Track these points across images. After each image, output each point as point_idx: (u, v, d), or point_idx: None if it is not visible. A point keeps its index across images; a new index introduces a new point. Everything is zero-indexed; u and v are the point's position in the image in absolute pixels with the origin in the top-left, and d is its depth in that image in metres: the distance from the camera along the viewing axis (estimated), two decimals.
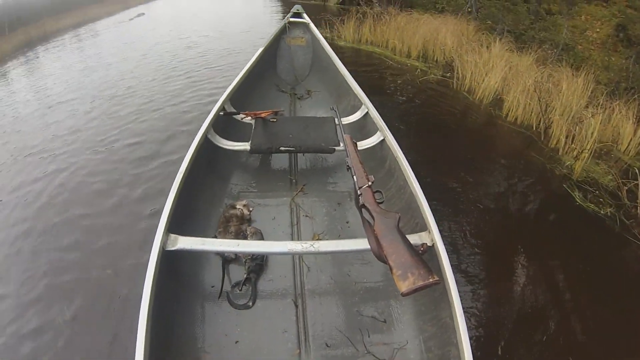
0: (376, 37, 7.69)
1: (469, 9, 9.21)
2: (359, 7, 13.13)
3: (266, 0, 27.36)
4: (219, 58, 7.17)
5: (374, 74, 6.15)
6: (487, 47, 6.17)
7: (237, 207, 2.26)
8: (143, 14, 23.48)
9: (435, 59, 6.66)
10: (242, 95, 3.26)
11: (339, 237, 2.21)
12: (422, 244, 1.53)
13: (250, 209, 2.32)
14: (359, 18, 8.03)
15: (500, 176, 3.86)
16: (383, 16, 8.12)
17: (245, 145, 2.55)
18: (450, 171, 3.72)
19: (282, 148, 2.53)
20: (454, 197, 3.41)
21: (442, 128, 4.61)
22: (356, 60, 6.85)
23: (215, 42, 8.56)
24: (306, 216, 2.43)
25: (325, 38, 7.46)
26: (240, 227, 2.17)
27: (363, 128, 2.97)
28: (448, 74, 5.96)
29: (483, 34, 7.33)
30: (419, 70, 6.26)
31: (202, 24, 12.67)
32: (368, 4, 13.13)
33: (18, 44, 18.85)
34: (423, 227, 1.83)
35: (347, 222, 2.40)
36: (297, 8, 4.86)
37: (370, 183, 1.46)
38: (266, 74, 4.12)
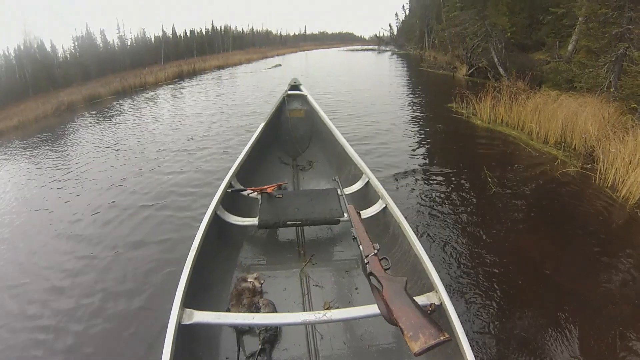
0: (512, 117, 7.41)
1: (609, 87, 8.35)
2: (488, 81, 13.49)
3: (392, 61, 29.15)
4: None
5: (507, 161, 5.85)
6: (633, 133, 5.36)
7: (249, 280, 2.26)
8: (280, 65, 26.63)
9: (574, 146, 6.06)
10: (248, 171, 3.34)
11: (349, 304, 2.20)
12: (430, 304, 1.52)
13: (262, 281, 2.32)
14: (495, 96, 7.88)
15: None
16: (519, 95, 7.75)
17: (253, 221, 2.61)
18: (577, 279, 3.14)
19: (289, 222, 2.59)
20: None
21: (575, 231, 3.96)
22: (490, 143, 6.73)
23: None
24: (316, 286, 2.45)
25: (461, 114, 7.87)
26: (253, 300, 2.18)
27: (365, 196, 3.03)
28: (589, 166, 5.36)
29: (627, 117, 6.42)
30: (558, 161, 5.63)
31: (335, 82, 15.20)
32: (496, 77, 13.24)
33: (171, 74, 23.05)
34: (430, 287, 1.88)
35: (357, 289, 2.42)
36: (294, 80, 4.96)
37: (375, 251, 1.50)
38: (269, 147, 4.19)
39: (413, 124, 8.27)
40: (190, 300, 1.82)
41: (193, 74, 25.32)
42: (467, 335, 1.57)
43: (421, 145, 6.79)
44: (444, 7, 26.74)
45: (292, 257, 2.73)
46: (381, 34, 71.12)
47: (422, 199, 4.55)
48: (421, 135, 7.46)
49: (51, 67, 28.87)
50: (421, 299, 1.79)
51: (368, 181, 3.05)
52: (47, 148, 8.58)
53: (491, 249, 3.45)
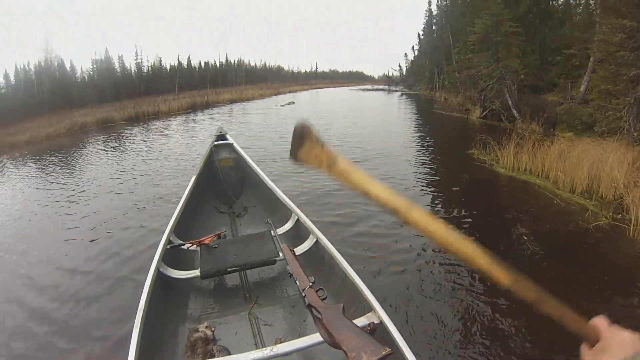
0: (535, 164, 7.07)
1: (628, 130, 8.29)
2: (502, 123, 13.39)
3: (403, 102, 29.36)
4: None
5: (536, 214, 5.49)
6: None
7: (200, 330, 2.30)
8: (293, 102, 26.80)
9: (601, 194, 5.80)
10: (185, 224, 3.42)
11: (299, 336, 2.16)
12: (369, 324, 1.64)
13: (213, 329, 2.34)
14: (519, 142, 7.56)
15: None
16: (542, 141, 7.54)
17: (195, 272, 2.67)
18: None
19: (229, 269, 2.68)
20: None
21: (614, 290, 3.72)
22: (516, 194, 6.43)
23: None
24: (266, 324, 2.54)
25: (483, 161, 7.70)
26: (207, 348, 2.22)
27: (297, 234, 3.18)
28: (619, 216, 5.11)
29: None
30: (589, 212, 5.31)
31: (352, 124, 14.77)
32: (510, 119, 13.15)
33: (185, 105, 23.20)
34: (369, 308, 2.05)
35: (304, 321, 2.54)
36: (220, 130, 5.10)
37: (311, 284, 1.56)
38: (204, 198, 4.28)
39: (435, 172, 7.88)
40: None
41: (206, 106, 25.64)
42: (409, 347, 1.70)
43: (445, 195, 6.47)
44: (454, 48, 27.31)
45: (239, 301, 2.81)
46: (391, 74, 72.68)
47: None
48: (445, 185, 7.09)
49: (69, 87, 29.80)
50: (362, 320, 1.94)
51: (298, 219, 3.25)
52: (45, 167, 8.87)
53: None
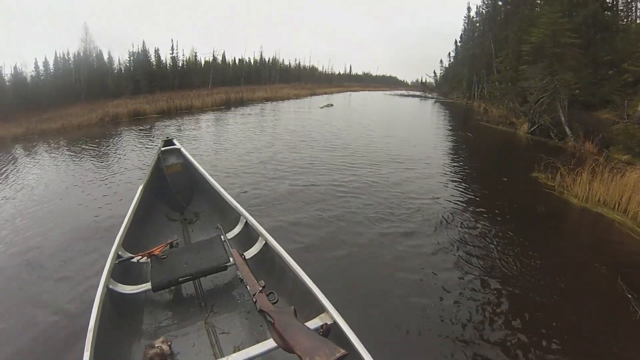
0: (610, 195, 6.09)
1: None
2: (551, 140, 12.45)
3: (442, 110, 28.33)
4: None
5: (628, 259, 4.57)
6: None
7: (156, 345, 2.25)
8: (332, 105, 26.10)
9: None
10: (136, 236, 3.30)
11: (257, 342, 2.11)
12: (322, 325, 1.56)
13: (169, 343, 2.30)
14: (592, 169, 6.51)
15: None
16: (613, 167, 6.51)
17: (147, 286, 2.58)
18: None
19: (180, 279, 2.61)
20: None
21: None
22: (594, 233, 5.49)
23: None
24: (223, 333, 2.51)
25: (551, 187, 7.03)
26: None
27: (247, 237, 3.18)
28: None
29: None
30: None
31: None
32: (560, 137, 12.22)
33: (219, 101, 22.86)
34: (321, 309, 2.04)
35: (262, 326, 2.49)
36: (167, 136, 4.96)
37: (261, 288, 1.55)
38: (154, 207, 4.17)
39: (504, 199, 6.61)
40: None
41: (240, 103, 25.24)
42: (365, 347, 1.69)
43: (519, 228, 5.30)
44: (497, 57, 26.18)
45: (195, 311, 2.76)
46: (425, 80, 71.50)
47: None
48: (517, 215, 5.87)
49: (105, 77, 30.51)
50: (315, 322, 1.95)
51: (246, 222, 3.23)
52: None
53: None
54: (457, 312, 3.39)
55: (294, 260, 2.47)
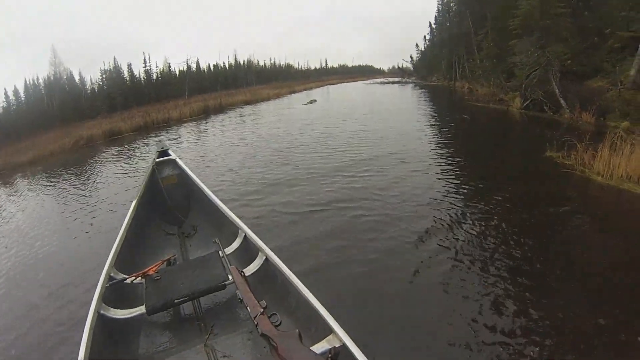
0: (633, 169, 5.63)
1: None
2: (545, 114, 12.05)
3: (427, 94, 27.80)
4: None
5: None
6: None
7: None
8: (315, 100, 25.40)
9: None
10: (130, 255, 3.15)
11: None
12: (330, 349, 1.41)
13: None
14: (612, 143, 6.04)
15: None
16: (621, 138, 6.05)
17: (141, 309, 2.42)
18: None
19: (176, 301, 2.44)
20: None
21: None
22: (630, 215, 4.86)
23: None
24: (224, 357, 2.35)
25: (570, 167, 6.51)
26: None
27: (246, 252, 3.01)
28: None
29: None
30: None
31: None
32: (554, 109, 11.86)
33: (197, 110, 22.03)
34: (328, 331, 1.87)
35: (265, 347, 2.13)
36: (161, 146, 4.76)
37: (262, 309, 1.47)
38: (150, 222, 3.98)
39: (524, 184, 6.11)
40: None
41: (220, 109, 24.29)
42: None
43: (539, 219, 4.79)
44: (477, 35, 25.77)
45: (193, 333, 2.60)
46: (402, 66, 71.34)
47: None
48: (535, 203, 5.28)
49: (79, 99, 29.59)
50: (322, 345, 1.83)
51: (245, 236, 3.06)
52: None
53: None
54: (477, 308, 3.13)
55: (297, 277, 2.29)
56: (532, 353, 2.62)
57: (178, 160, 4.58)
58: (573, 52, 13.09)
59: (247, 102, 28.30)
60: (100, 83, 32.48)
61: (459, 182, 6.36)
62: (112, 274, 2.74)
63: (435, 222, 4.80)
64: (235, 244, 3.15)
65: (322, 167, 7.57)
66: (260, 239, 2.85)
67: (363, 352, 1.68)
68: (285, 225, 5.02)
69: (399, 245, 4.26)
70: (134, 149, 12.56)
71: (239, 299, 1.69)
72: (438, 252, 4.05)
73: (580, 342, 2.72)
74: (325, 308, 1.97)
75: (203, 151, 10.83)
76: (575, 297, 3.24)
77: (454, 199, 5.58)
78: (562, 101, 12.15)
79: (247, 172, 7.82)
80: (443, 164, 7.50)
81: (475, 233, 4.47)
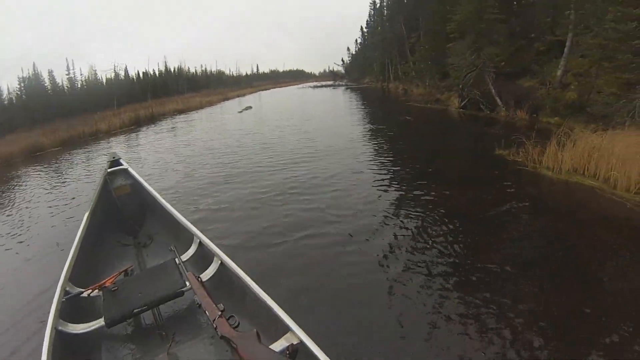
0: (578, 163, 6.12)
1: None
2: (481, 113, 12.61)
3: (364, 96, 28.19)
4: None
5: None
6: None
7: None
8: (250, 107, 24.78)
9: None
10: (85, 268, 3.08)
11: None
12: (289, 346, 1.55)
13: None
14: (559, 140, 6.42)
15: None
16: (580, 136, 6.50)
17: (100, 322, 2.40)
18: None
19: (135, 311, 2.42)
20: None
21: None
22: (583, 206, 5.17)
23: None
24: None
25: (522, 164, 6.77)
26: None
27: (203, 258, 3.01)
28: None
29: None
30: None
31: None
32: (490, 108, 12.47)
33: (128, 121, 20.52)
34: (286, 329, 1.93)
35: (227, 350, 2.01)
36: (112, 155, 4.68)
37: (220, 312, 1.48)
38: (103, 234, 3.91)
39: (481, 184, 6.15)
40: None
41: (151, 120, 22.78)
42: None
43: (500, 213, 4.97)
44: (411, 38, 26.70)
45: (155, 343, 2.54)
46: (334, 69, 72.54)
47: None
48: (495, 199, 5.42)
49: None
50: (280, 343, 1.87)
51: (200, 242, 3.06)
52: None
53: None
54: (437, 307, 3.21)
55: (253, 280, 2.33)
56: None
57: (130, 169, 4.46)
58: (505, 54, 13.84)
59: (180, 111, 26.81)
60: (19, 93, 29.32)
61: (414, 184, 6.36)
62: (67, 288, 2.68)
63: (392, 227, 4.74)
64: (191, 251, 3.14)
65: (268, 188, 6.53)
66: (215, 244, 2.86)
67: (321, 348, 1.72)
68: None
69: (363, 261, 4.06)
70: (61, 167, 11.14)
71: (197, 304, 1.67)
72: (398, 258, 4.01)
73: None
74: (282, 308, 2.02)
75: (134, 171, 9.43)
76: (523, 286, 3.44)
77: (410, 201, 5.58)
78: (497, 100, 12.85)
79: (185, 196, 6.56)
80: (393, 168, 7.43)
81: (433, 233, 4.51)
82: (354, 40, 62.22)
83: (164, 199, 3.82)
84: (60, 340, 2.23)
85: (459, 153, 8.79)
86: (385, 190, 6.07)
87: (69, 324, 2.39)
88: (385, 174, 7.02)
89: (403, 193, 5.96)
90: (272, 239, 4.61)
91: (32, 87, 29.65)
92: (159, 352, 2.41)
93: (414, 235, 4.49)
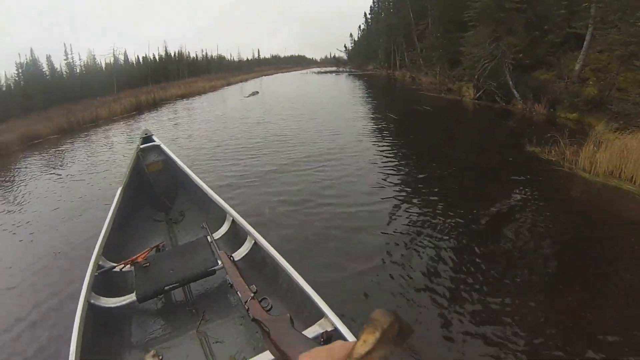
0: (615, 165, 5.62)
1: None
2: (497, 104, 12.14)
3: (371, 83, 27.58)
4: None
5: None
6: None
7: None
8: (257, 92, 24.12)
9: None
10: (118, 243, 3.13)
11: (254, 350, 2.15)
12: (322, 333, 1.38)
13: (160, 356, 2.04)
14: (595, 140, 5.98)
15: None
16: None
17: (131, 297, 2.40)
18: None
19: (166, 287, 2.41)
20: None
21: None
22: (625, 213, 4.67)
23: None
24: (217, 342, 2.33)
25: (557, 163, 6.32)
26: None
27: (235, 236, 3.00)
28: None
29: None
30: None
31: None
32: (506, 100, 12.01)
33: (129, 106, 19.90)
34: (320, 315, 1.87)
35: (257, 332, 2.10)
36: (145, 132, 4.67)
37: (253, 294, 1.37)
38: (136, 210, 3.96)
39: (515, 182, 5.74)
40: None
41: (153, 105, 22.03)
42: None
43: (540, 218, 4.59)
44: (420, 25, 25.99)
45: (185, 319, 2.55)
46: (337, 55, 71.66)
47: None
48: (532, 201, 5.05)
49: None
50: (314, 329, 1.83)
51: (233, 220, 3.04)
52: None
53: None
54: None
55: (287, 261, 2.28)
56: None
57: (162, 145, 4.47)
58: (523, 44, 13.30)
59: (183, 96, 26.07)
60: (17, 79, 28.52)
61: (453, 179, 6.07)
62: (100, 263, 2.72)
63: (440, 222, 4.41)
64: (224, 229, 3.11)
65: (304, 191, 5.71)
66: (248, 223, 2.81)
67: (355, 336, 1.42)
68: None
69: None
70: (61, 157, 10.59)
71: (229, 284, 1.61)
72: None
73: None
74: (316, 292, 1.96)
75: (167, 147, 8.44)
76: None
77: (450, 202, 5.18)
78: (515, 92, 12.33)
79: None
80: (429, 165, 6.98)
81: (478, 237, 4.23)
82: (357, 27, 61.07)
83: (197, 176, 3.82)
84: (92, 313, 2.24)
85: (492, 149, 8.26)
86: (427, 190, 5.69)
87: (101, 298, 2.41)
88: (422, 173, 6.59)
89: (444, 191, 5.64)
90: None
91: (30, 73, 28.90)
92: (188, 329, 2.45)
93: (457, 235, 4.25)
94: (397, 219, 4.69)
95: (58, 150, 11.60)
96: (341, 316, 1.80)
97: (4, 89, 27.71)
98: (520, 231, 4.28)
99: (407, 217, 4.70)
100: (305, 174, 6.52)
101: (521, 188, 5.52)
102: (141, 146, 4.42)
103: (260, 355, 1.78)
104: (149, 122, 15.85)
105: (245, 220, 2.86)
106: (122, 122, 16.59)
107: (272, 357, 1.41)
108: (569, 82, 11.70)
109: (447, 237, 4.17)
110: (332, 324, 1.77)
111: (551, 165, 6.31)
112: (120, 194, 3.63)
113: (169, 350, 2.32)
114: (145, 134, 4.61)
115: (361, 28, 58.10)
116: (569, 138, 6.38)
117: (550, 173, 6.04)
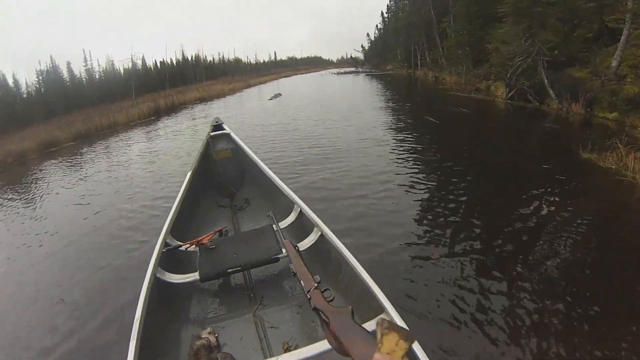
0: None
1: None
2: (530, 104, 11.43)
3: (393, 84, 26.81)
4: None
5: None
6: None
7: (203, 337, 2.14)
8: (280, 94, 23.39)
9: None
10: (184, 224, 3.22)
11: (308, 339, 2.17)
12: None
13: (216, 334, 2.21)
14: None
15: None
16: None
17: (194, 275, 2.49)
18: None
19: (229, 270, 2.50)
20: None
21: None
22: None
23: None
24: (272, 327, 2.38)
25: (619, 173, 5.60)
26: (210, 357, 2.08)
27: (301, 227, 3.01)
28: None
29: None
30: None
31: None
32: (539, 100, 11.31)
33: (147, 111, 19.44)
34: (379, 310, 1.86)
35: (312, 322, 2.37)
36: (216, 120, 4.82)
37: (316, 284, 1.38)
38: (203, 194, 4.10)
39: (572, 193, 5.15)
40: None
41: (172, 109, 21.54)
42: (428, 356, 1.51)
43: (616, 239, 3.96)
44: (442, 23, 25.20)
45: (243, 303, 2.64)
46: (354, 56, 71.03)
47: None
48: (606, 221, 4.42)
49: (13, 105, 26.29)
50: (372, 324, 1.72)
51: (300, 211, 3.05)
52: None
53: None
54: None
55: (352, 254, 2.21)
56: None
57: (232, 134, 4.59)
58: (558, 41, 12.52)
59: (201, 100, 25.72)
60: (37, 86, 28.95)
61: (509, 188, 5.57)
62: (167, 241, 2.81)
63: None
64: (290, 219, 3.13)
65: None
66: (316, 214, 2.80)
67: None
68: None
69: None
70: (71, 167, 10.05)
71: (293, 272, 1.55)
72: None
73: None
74: (378, 286, 1.93)
75: (159, 175, 7.66)
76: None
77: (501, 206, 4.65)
78: (550, 91, 11.56)
79: None
80: (490, 176, 6.29)
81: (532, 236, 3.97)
82: (374, 26, 60.46)
83: (266, 165, 3.85)
84: (158, 287, 2.34)
85: (543, 155, 7.28)
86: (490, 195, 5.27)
87: (167, 273, 2.51)
88: (485, 185, 5.87)
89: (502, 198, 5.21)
90: None
91: (51, 80, 29.37)
92: (245, 312, 2.52)
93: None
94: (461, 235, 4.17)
95: (70, 160, 11.30)
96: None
97: (24, 95, 27.97)
98: (586, 249, 3.76)
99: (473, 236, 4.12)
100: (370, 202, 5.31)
101: (582, 199, 4.88)
102: (212, 133, 4.56)
103: (313, 344, 1.76)
104: (170, 127, 15.00)
105: (313, 212, 2.85)
106: (139, 128, 15.76)
107: (327, 346, 1.60)
108: (606, 80, 10.89)
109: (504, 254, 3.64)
110: (391, 319, 1.73)
111: (611, 174, 5.56)
112: (189, 178, 3.75)
113: (224, 329, 2.39)
114: (216, 122, 4.77)
115: (378, 27, 57.42)
116: (630, 145, 5.65)
117: (612, 184, 5.30)
